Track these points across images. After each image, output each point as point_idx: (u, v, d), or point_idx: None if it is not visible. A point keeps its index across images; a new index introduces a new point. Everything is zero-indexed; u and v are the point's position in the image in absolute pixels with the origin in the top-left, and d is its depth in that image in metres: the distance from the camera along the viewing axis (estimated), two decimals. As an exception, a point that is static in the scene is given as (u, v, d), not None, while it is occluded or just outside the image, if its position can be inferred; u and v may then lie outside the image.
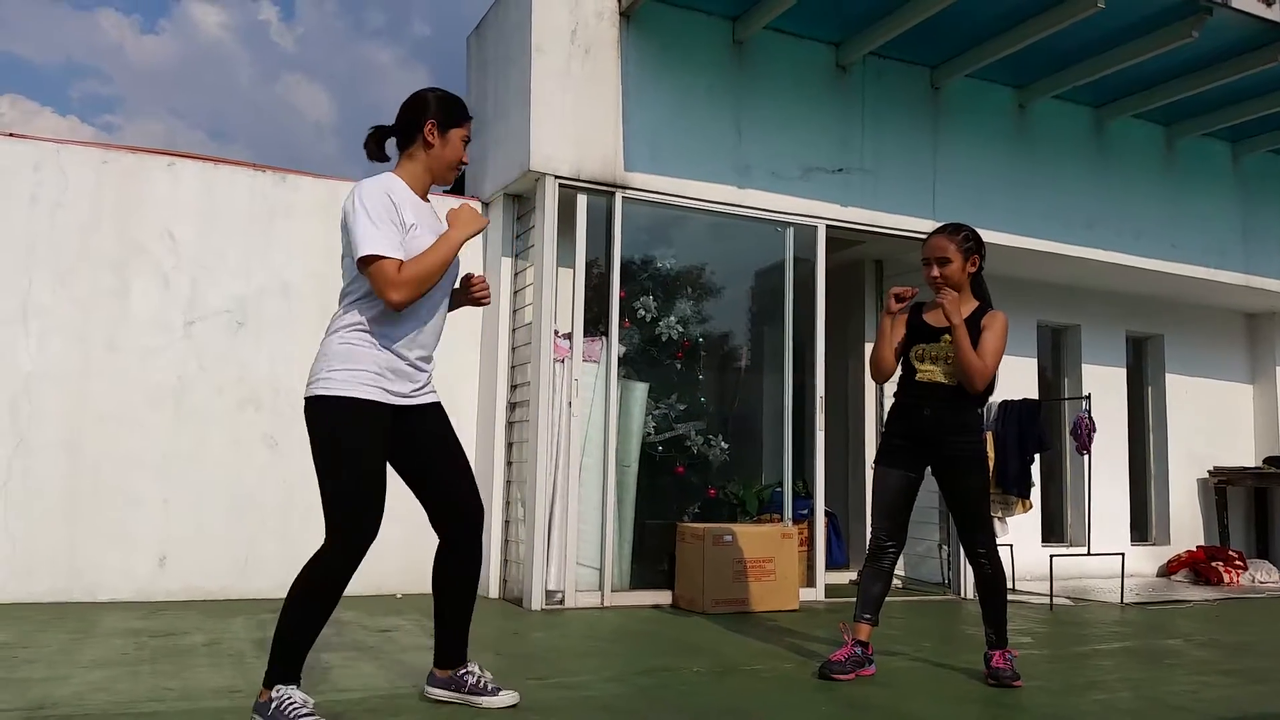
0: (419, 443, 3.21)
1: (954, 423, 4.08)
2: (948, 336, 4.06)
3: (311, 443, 3.02)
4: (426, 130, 3.15)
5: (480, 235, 6.59)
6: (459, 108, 3.24)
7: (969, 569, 6.76)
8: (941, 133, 7.17)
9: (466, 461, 3.38)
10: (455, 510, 3.31)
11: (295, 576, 3.00)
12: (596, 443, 6.05)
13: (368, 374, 3.01)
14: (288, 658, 2.96)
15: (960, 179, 7.20)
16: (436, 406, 3.27)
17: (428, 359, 3.21)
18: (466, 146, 3.27)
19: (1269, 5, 6.02)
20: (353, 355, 3.01)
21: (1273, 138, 8.19)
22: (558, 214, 5.97)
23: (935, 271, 4.13)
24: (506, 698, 3.33)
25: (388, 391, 3.05)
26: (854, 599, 4.26)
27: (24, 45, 43.00)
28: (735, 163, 6.45)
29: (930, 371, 4.12)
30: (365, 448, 3.00)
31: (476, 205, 6.67)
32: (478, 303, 3.41)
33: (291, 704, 2.90)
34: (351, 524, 2.98)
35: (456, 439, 3.33)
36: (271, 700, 2.91)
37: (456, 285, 3.40)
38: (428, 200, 3.23)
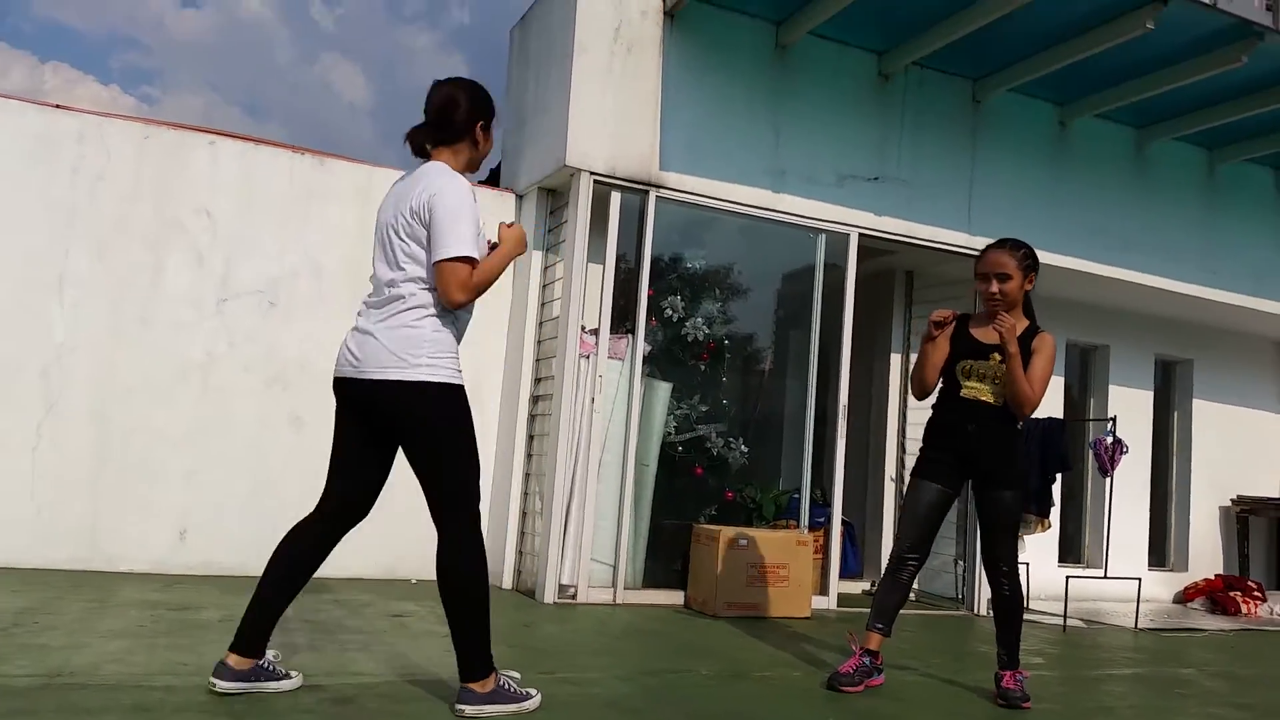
0: None
1: (997, 440, 4.06)
2: (996, 355, 4.03)
3: (429, 426, 3.13)
4: (478, 130, 3.28)
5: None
6: (491, 102, 3.35)
7: (983, 585, 6.77)
8: (980, 146, 7.13)
9: None
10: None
11: (450, 572, 3.14)
12: (617, 440, 6.06)
13: (456, 359, 3.19)
14: (488, 643, 3.19)
15: (997, 193, 7.15)
16: None
17: None
18: None
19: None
20: (445, 342, 3.16)
21: (1317, 167, 8.10)
22: (590, 210, 5.99)
23: (995, 288, 4.06)
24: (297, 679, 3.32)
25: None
26: (867, 609, 4.26)
27: (70, 13, 43.54)
28: (771, 166, 6.44)
29: (976, 389, 4.07)
30: (473, 428, 3.21)
31: (508, 196, 6.69)
32: None
33: (516, 680, 3.27)
34: (477, 498, 3.22)
35: None
36: (499, 684, 3.18)
37: None
38: None
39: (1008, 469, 4.06)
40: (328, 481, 3.30)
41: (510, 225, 3.34)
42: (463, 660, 3.15)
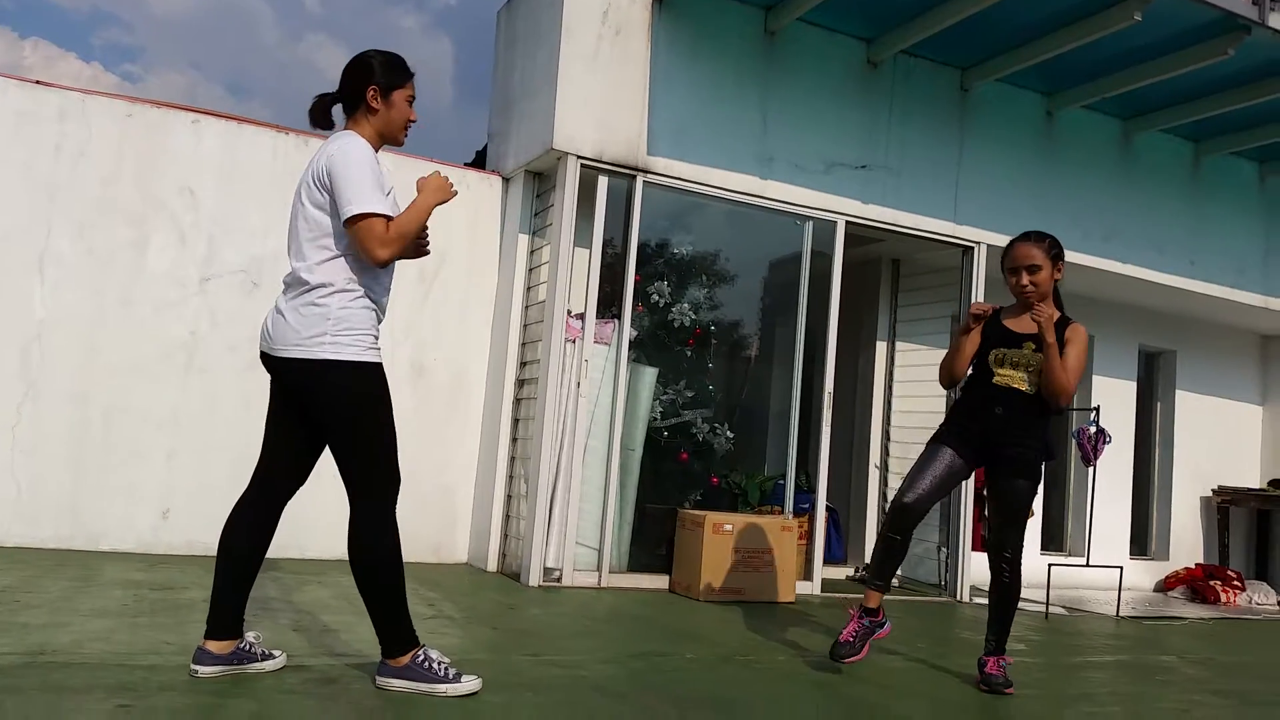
0: None
1: (1022, 426, 4.06)
2: (1030, 344, 4.03)
3: (334, 405, 3.08)
4: (369, 96, 3.19)
5: (499, 211, 6.61)
6: (400, 69, 3.26)
7: (966, 573, 6.81)
8: (967, 135, 7.13)
9: None
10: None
11: (359, 551, 3.12)
12: (603, 424, 6.06)
13: (370, 337, 3.13)
14: (407, 618, 3.17)
15: (983, 182, 7.17)
16: None
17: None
18: (413, 105, 3.30)
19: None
20: (353, 319, 3.08)
21: (1301, 159, 8.15)
22: (577, 194, 5.97)
23: (1025, 280, 4.07)
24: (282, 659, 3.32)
25: (379, 350, 3.20)
26: (851, 595, 4.26)
27: (52, -12, 43.19)
28: (759, 153, 6.43)
29: (1009, 376, 4.06)
30: (389, 407, 3.16)
31: (495, 179, 6.66)
32: (421, 253, 3.39)
33: (442, 660, 3.19)
34: (396, 478, 3.18)
35: None
36: (419, 659, 3.15)
37: None
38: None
39: (1028, 457, 4.06)
40: (261, 452, 3.28)
41: (429, 175, 3.27)
42: (379, 635, 3.16)
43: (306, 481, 3.31)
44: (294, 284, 3.12)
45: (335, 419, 3.11)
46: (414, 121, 3.31)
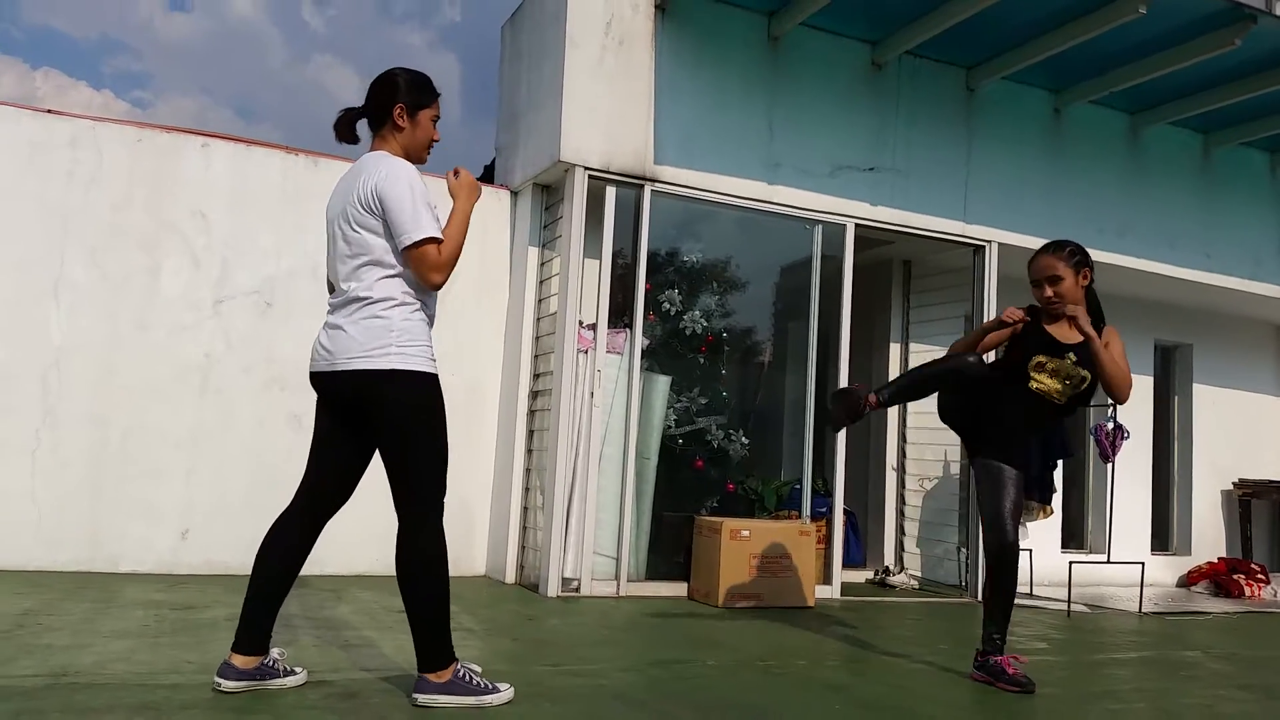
0: None
1: (1044, 438, 4.18)
2: (1072, 356, 3.99)
3: (398, 414, 3.10)
4: (396, 114, 3.22)
5: (509, 224, 6.65)
6: (427, 89, 3.29)
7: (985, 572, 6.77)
8: (975, 134, 7.12)
9: None
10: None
11: (409, 562, 3.12)
12: (617, 434, 6.06)
13: (429, 349, 3.18)
14: (449, 632, 3.16)
15: (992, 181, 7.15)
16: None
17: None
18: (436, 125, 3.33)
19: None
20: (414, 330, 3.13)
21: (1312, 149, 8.10)
22: (586, 205, 5.98)
23: (1049, 291, 4.02)
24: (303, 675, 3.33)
25: (435, 361, 3.23)
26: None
27: (61, 19, 43.58)
28: (766, 159, 6.44)
29: (1047, 386, 4.01)
30: (445, 418, 3.19)
31: (503, 193, 6.68)
32: None
33: (478, 674, 3.20)
34: (445, 488, 3.19)
35: None
36: (460, 673, 3.14)
37: None
38: None
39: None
40: (306, 471, 3.30)
41: (456, 174, 3.30)
42: (419, 649, 3.14)
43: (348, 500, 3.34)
44: (348, 302, 3.15)
45: (396, 429, 3.12)
46: (437, 141, 3.35)
